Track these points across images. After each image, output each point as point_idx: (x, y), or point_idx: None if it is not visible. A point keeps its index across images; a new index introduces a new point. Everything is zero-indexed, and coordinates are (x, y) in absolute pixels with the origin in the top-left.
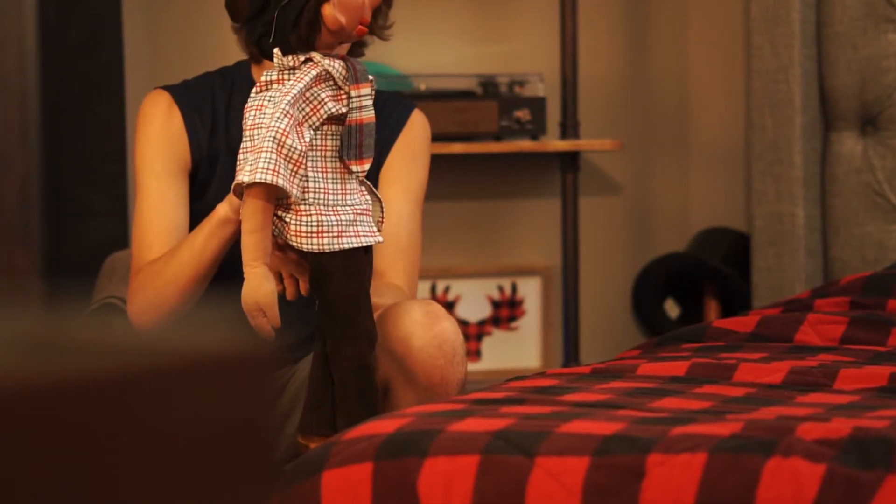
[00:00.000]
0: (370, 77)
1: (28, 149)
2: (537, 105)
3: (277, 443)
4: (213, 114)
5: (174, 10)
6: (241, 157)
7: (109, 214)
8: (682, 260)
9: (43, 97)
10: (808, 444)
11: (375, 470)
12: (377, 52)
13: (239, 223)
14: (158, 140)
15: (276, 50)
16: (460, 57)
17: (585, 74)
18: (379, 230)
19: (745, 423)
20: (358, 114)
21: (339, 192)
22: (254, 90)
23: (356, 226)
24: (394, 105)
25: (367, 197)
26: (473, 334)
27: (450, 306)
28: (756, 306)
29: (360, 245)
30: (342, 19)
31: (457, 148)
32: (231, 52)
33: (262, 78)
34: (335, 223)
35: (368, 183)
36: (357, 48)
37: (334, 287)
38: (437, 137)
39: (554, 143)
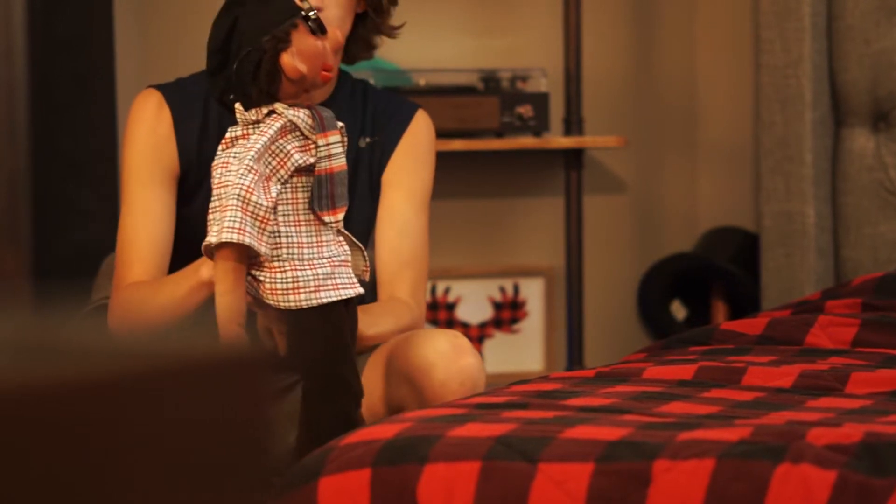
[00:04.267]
0: (339, 123)
1: (16, 147)
2: (540, 101)
3: (277, 447)
4: (205, 115)
5: (165, 5)
6: (209, 217)
7: (99, 214)
8: (689, 260)
9: (31, 94)
10: (819, 450)
11: (374, 476)
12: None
13: None
14: (146, 146)
15: (237, 105)
16: (461, 51)
17: (590, 69)
18: (363, 279)
19: (753, 428)
20: (327, 163)
21: (315, 244)
22: (220, 147)
23: (334, 278)
24: (396, 106)
25: (346, 247)
26: (474, 337)
27: (450, 308)
28: (765, 308)
29: (338, 298)
30: (302, 68)
31: (457, 145)
32: None
33: (228, 134)
34: (311, 278)
35: (346, 233)
36: (366, 52)
37: (313, 344)
38: (436, 134)
39: (557, 139)
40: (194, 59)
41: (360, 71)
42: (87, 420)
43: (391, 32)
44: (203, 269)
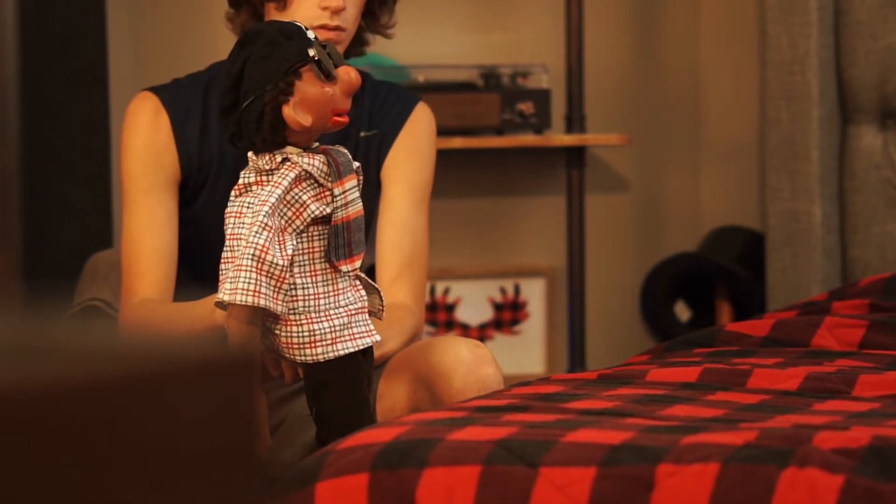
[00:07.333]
0: (354, 166)
1: (7, 145)
2: (541, 97)
3: (274, 452)
4: (204, 117)
5: (159, 2)
6: (222, 266)
7: (92, 213)
8: (693, 260)
9: (23, 91)
10: (826, 454)
11: (372, 480)
12: (373, 42)
13: None
14: (146, 153)
15: (249, 154)
16: (461, 47)
17: (592, 65)
18: (379, 318)
19: (759, 431)
20: (343, 211)
21: (331, 293)
22: (233, 192)
23: (351, 328)
24: (396, 97)
25: (362, 292)
26: (474, 338)
27: (450, 309)
28: (771, 309)
29: (356, 349)
30: (305, 120)
31: (457, 142)
32: (220, 45)
33: (241, 180)
34: (328, 330)
35: (363, 276)
36: (358, 48)
37: (332, 397)
38: (436, 132)
39: (559, 137)
40: (188, 57)
41: (358, 67)
42: (80, 422)
43: (386, 32)
44: (217, 314)
